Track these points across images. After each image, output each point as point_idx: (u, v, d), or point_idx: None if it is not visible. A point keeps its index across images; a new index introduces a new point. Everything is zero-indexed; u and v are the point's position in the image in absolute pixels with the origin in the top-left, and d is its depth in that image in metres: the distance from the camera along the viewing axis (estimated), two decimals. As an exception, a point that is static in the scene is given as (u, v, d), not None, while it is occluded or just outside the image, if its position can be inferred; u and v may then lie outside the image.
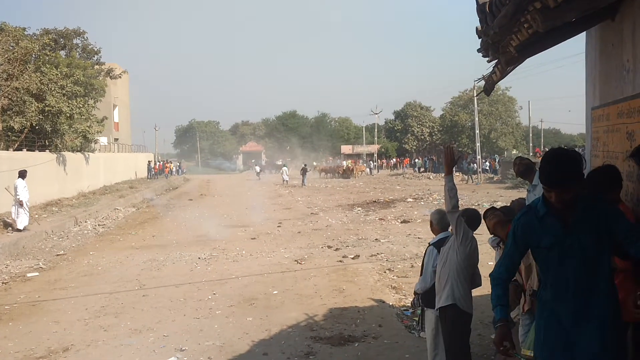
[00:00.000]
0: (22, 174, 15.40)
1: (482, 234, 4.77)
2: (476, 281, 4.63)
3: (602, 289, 2.84)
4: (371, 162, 64.88)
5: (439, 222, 4.97)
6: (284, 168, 42.92)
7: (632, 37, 3.72)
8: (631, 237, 2.78)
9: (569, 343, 2.87)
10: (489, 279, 3.22)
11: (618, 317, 2.86)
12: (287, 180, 40.13)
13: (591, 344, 2.82)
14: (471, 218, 4.56)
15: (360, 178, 47.67)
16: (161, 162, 58.00)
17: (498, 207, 5.09)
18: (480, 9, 3.80)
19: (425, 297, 4.88)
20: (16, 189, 15.05)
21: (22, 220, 14.96)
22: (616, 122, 4.04)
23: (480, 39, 4.25)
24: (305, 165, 41.27)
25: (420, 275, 5.07)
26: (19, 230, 14.74)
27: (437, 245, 4.80)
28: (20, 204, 14.90)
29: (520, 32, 3.33)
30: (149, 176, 47.47)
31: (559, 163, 2.74)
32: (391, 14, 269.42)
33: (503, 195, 25.12)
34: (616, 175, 3.49)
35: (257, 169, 53.45)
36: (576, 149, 4.67)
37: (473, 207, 4.94)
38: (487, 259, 8.04)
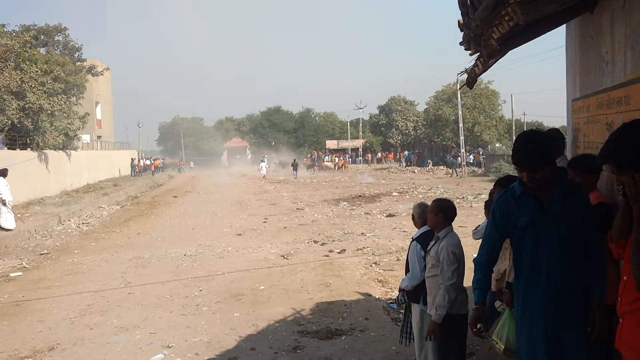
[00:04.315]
0: (3, 173, 15.23)
1: (467, 227, 4.80)
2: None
3: (574, 272, 2.90)
4: (356, 156, 65.57)
5: (421, 215, 4.91)
6: (262, 163, 44.34)
7: (610, 29, 3.78)
8: (593, 250, 2.91)
9: (542, 329, 2.92)
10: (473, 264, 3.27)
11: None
12: (265, 175, 41.46)
13: (564, 330, 2.88)
14: (448, 210, 4.51)
15: (345, 173, 47.87)
16: (145, 160, 57.83)
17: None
18: (462, 2, 3.83)
19: (411, 292, 4.86)
20: None
21: (8, 219, 14.89)
22: (596, 113, 4.10)
23: (463, 32, 4.28)
24: (295, 160, 44.77)
25: (406, 271, 5.03)
26: (9, 230, 14.71)
27: (420, 240, 4.74)
28: (3, 203, 14.77)
29: (501, 25, 3.36)
30: (133, 174, 47.16)
31: (527, 144, 2.89)
32: (374, 9, 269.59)
33: (487, 188, 25.29)
34: (595, 163, 3.59)
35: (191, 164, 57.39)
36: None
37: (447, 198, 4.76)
38: (472, 251, 8.11)
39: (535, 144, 2.87)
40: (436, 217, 4.45)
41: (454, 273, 4.22)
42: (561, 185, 2.93)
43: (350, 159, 64.39)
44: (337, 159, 61.58)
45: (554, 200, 2.90)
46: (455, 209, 4.56)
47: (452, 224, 4.50)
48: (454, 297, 4.22)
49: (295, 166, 42.25)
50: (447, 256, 4.24)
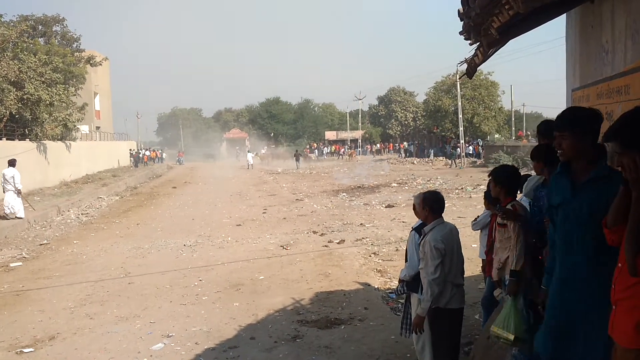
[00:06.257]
0: (12, 163, 15.55)
1: (466, 217, 4.79)
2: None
3: (595, 259, 2.78)
4: (355, 147, 65.87)
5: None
6: (249, 154, 48.68)
7: (610, 18, 3.77)
8: None
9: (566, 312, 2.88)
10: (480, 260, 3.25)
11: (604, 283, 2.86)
12: (251, 164, 45.45)
13: (582, 317, 2.84)
14: (434, 202, 4.51)
15: (345, 164, 47.95)
16: (144, 150, 57.82)
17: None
18: (462, -9, 3.81)
19: (410, 283, 4.86)
20: (14, 177, 15.30)
21: (19, 207, 15.28)
22: (596, 103, 4.09)
23: (462, 21, 4.27)
24: (297, 150, 49.25)
25: (405, 261, 5.04)
26: (20, 218, 15.12)
27: (419, 229, 4.76)
28: (18, 192, 15.25)
29: (501, 14, 3.35)
30: (135, 164, 47.31)
31: (569, 108, 3.10)
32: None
33: (486, 179, 25.20)
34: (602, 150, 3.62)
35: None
36: None
37: (436, 190, 4.68)
38: (471, 241, 8.14)
39: (568, 111, 3.01)
40: (423, 211, 4.47)
41: (437, 268, 4.20)
42: (598, 170, 2.84)
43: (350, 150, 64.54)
44: (340, 150, 62.57)
45: (585, 184, 2.83)
46: (442, 200, 4.54)
47: (450, 215, 4.48)
48: (437, 291, 4.20)
49: (297, 157, 45.07)
50: (430, 251, 4.24)
